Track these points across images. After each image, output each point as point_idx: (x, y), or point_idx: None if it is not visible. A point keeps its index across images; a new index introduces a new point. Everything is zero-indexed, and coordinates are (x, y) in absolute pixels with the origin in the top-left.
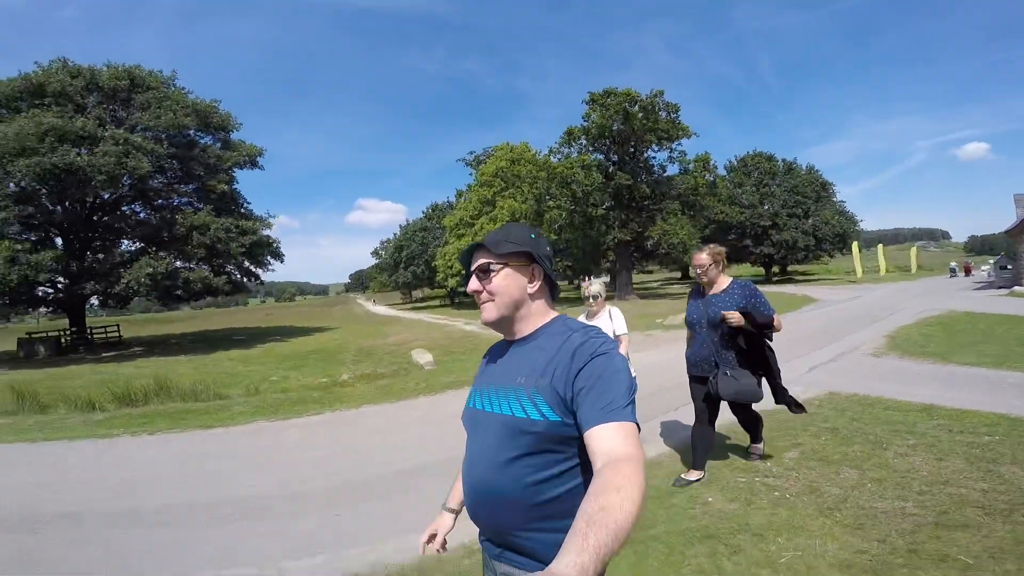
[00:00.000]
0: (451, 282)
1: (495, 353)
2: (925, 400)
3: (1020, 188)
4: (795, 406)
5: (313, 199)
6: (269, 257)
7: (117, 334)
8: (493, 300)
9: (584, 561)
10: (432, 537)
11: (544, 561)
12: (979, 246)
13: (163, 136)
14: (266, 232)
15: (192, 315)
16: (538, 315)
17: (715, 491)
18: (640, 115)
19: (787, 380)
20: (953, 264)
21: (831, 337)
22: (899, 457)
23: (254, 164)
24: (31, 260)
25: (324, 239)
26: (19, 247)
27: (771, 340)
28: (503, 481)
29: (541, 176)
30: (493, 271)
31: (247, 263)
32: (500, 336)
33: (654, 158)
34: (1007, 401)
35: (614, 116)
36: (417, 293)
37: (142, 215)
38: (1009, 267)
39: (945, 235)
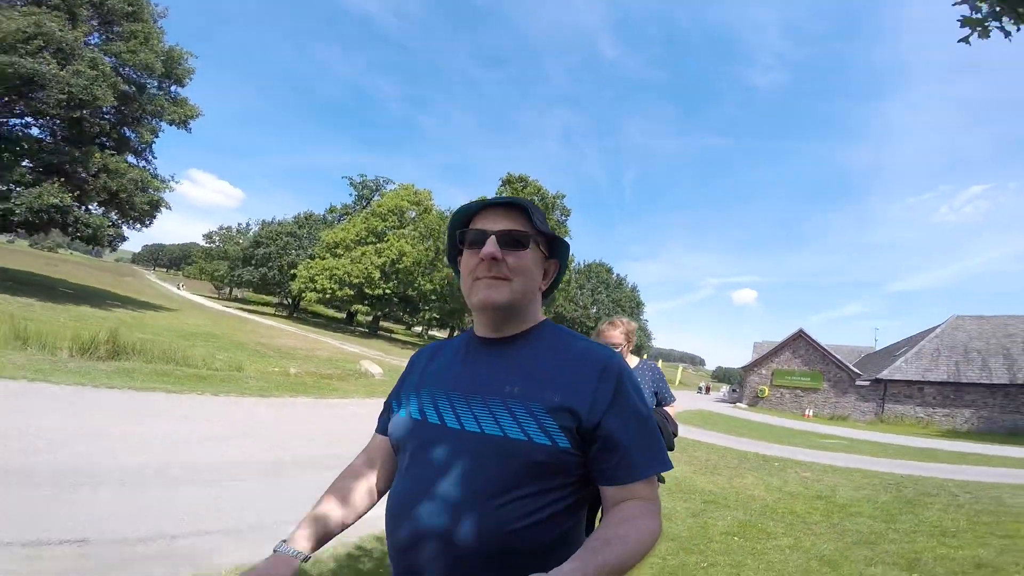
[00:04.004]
0: (309, 296)
1: (450, 352)
2: (702, 440)
3: (767, 335)
4: None
5: None
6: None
7: None
8: (510, 280)
9: (587, 572)
10: None
11: None
12: (722, 374)
13: (130, 72)
14: (163, 194)
15: None
16: (533, 316)
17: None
18: (541, 209)
19: None
20: (701, 384)
21: None
22: (703, 455)
23: (184, 124)
24: None
25: None
26: None
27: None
28: (482, 524)
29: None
30: (527, 246)
31: (132, 219)
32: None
33: None
34: (732, 443)
35: None
36: (236, 292)
37: (62, 142)
38: (736, 390)
39: (702, 361)
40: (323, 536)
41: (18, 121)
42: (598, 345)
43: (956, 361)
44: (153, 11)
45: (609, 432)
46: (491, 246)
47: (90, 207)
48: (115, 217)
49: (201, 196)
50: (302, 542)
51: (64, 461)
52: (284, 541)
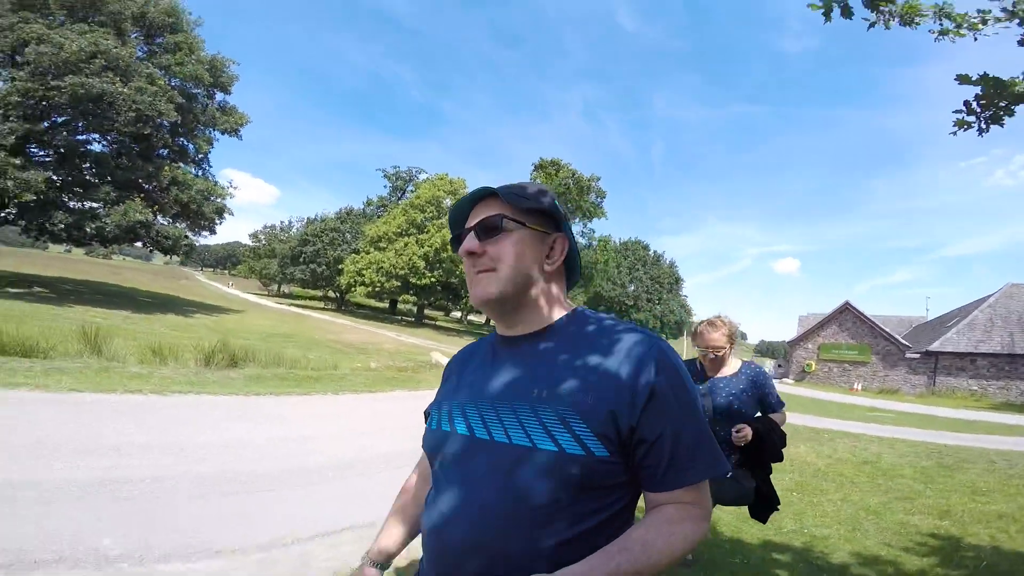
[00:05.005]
0: (360, 290)
1: (478, 356)
2: None
3: (811, 306)
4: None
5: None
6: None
7: None
8: (495, 271)
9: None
10: None
11: None
12: (764, 349)
13: (181, 85)
14: (225, 201)
15: None
16: (554, 305)
17: None
18: (576, 191)
19: None
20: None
21: None
22: None
23: (235, 132)
24: (19, 177)
25: None
26: (13, 160)
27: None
28: (512, 543)
29: None
30: (504, 229)
31: (201, 227)
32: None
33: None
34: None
35: (557, 187)
36: (284, 288)
37: (126, 160)
38: (782, 366)
39: (744, 336)
40: (397, 548)
41: (82, 137)
42: (637, 333)
43: (1011, 331)
44: (189, 21)
45: (651, 436)
46: (467, 242)
47: (165, 218)
48: (184, 226)
49: (238, 195)
50: (381, 554)
51: (290, 464)
52: (367, 552)
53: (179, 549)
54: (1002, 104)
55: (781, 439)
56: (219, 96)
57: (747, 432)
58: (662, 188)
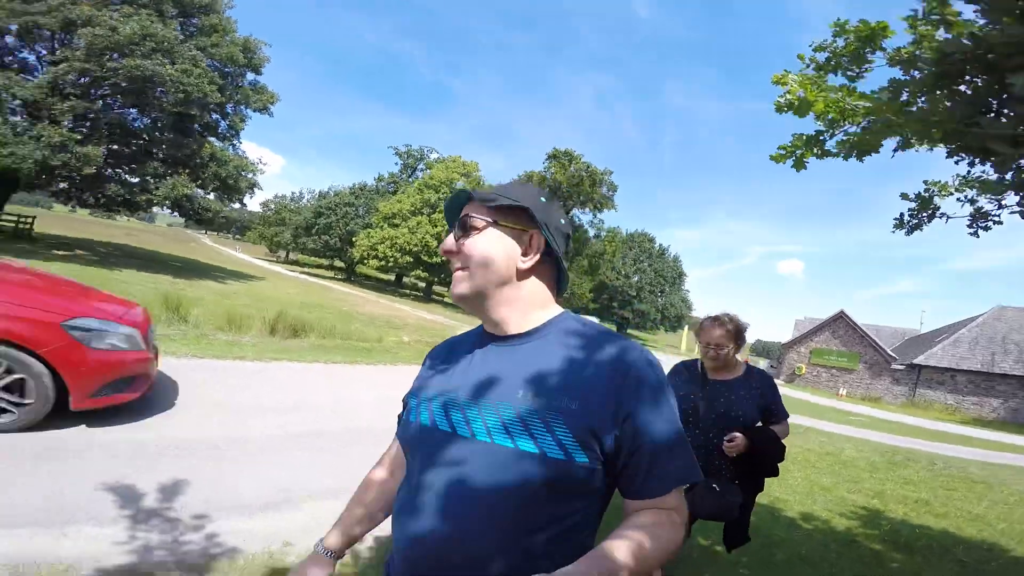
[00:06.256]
0: (371, 263)
1: (462, 349)
2: None
3: (811, 309)
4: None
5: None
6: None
7: (29, 226)
8: (467, 269)
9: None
10: None
11: None
12: (760, 348)
13: (213, 65)
14: (255, 176)
15: None
16: (536, 305)
17: None
18: (588, 183)
19: None
20: (738, 357)
21: None
22: None
23: (265, 110)
24: (79, 152)
25: None
26: (74, 136)
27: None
28: (485, 543)
29: None
30: (475, 228)
31: (234, 200)
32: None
33: (579, 218)
34: None
35: (572, 176)
36: (292, 255)
37: (172, 136)
38: (775, 367)
39: None
40: (351, 540)
41: (129, 115)
42: (622, 341)
43: (993, 351)
44: (222, 2)
45: (633, 444)
46: (446, 241)
47: (205, 192)
48: (214, 197)
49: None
50: (336, 541)
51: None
52: (321, 540)
53: None
54: (924, 215)
55: (779, 452)
56: (250, 76)
57: (739, 442)
58: (671, 179)
